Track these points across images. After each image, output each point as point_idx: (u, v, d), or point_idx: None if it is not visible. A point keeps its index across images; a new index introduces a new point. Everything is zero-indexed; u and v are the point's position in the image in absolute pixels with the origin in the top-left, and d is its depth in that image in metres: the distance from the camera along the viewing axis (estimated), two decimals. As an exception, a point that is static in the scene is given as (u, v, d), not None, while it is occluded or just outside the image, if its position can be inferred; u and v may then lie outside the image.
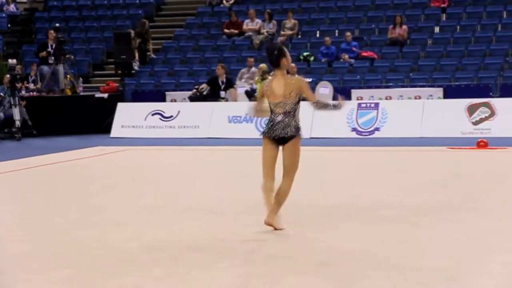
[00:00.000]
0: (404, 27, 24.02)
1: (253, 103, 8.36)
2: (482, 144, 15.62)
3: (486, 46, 23.14)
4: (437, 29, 24.65)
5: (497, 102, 18.88)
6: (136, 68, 24.50)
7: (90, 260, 6.72)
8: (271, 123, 7.71)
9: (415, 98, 20.70)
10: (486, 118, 18.61)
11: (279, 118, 7.67)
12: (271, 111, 7.75)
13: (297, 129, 7.74)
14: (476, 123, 18.66)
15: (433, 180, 11.05)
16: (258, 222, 7.76)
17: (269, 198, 7.71)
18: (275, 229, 7.66)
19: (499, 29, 23.87)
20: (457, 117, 18.85)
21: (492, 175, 11.52)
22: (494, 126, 18.42)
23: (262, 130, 7.86)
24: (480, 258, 6.32)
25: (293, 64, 22.39)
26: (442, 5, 25.23)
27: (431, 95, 20.72)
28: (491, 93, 20.27)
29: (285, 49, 7.94)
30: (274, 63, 7.81)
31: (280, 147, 7.74)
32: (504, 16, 24.37)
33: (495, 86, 20.87)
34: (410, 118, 19.14)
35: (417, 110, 19.32)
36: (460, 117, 18.80)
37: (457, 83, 21.55)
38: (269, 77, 7.77)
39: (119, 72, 23.24)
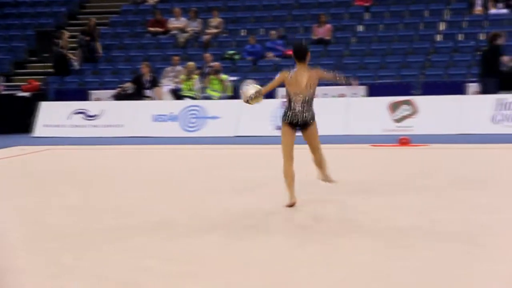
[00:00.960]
0: (328, 25, 24.20)
1: (257, 87, 8.95)
2: (404, 141, 15.83)
3: (408, 44, 23.48)
4: (360, 28, 24.93)
5: (419, 100, 19.18)
6: (77, 66, 24.17)
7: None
8: (293, 111, 8.65)
9: (340, 96, 20.87)
10: (408, 116, 18.90)
11: (299, 106, 8.64)
12: (290, 100, 8.66)
13: (314, 115, 8.85)
14: (398, 120, 18.93)
15: (358, 178, 11.13)
16: (184, 217, 7.70)
17: (292, 183, 8.58)
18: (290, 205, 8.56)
19: (421, 27, 24.23)
20: (379, 115, 19.10)
21: (417, 171, 11.67)
22: (416, 124, 18.72)
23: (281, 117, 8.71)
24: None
25: (217, 63, 22.44)
26: (366, 4, 25.51)
27: (355, 93, 20.92)
28: (413, 91, 20.57)
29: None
30: (301, 57, 8.70)
31: (298, 133, 8.78)
32: (426, 15, 24.76)
33: (417, 84, 21.18)
34: (334, 116, 19.30)
35: (341, 108, 19.52)
36: (383, 115, 19.06)
37: (380, 81, 21.81)
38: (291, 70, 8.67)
39: (52, 70, 22.89)
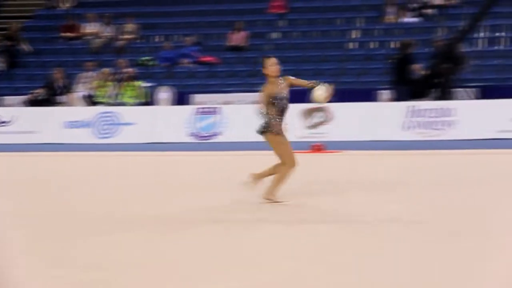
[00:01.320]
0: (243, 32, 24.30)
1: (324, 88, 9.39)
2: (317, 148, 15.97)
3: (322, 52, 23.72)
4: (275, 35, 25.09)
5: (333, 107, 19.37)
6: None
7: None
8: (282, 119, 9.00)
9: (253, 103, 20.93)
10: (321, 123, 19.09)
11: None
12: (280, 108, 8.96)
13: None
14: (311, 127, 19.10)
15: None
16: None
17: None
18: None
19: (334, 35, 24.51)
20: (293, 122, 19.21)
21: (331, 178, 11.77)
22: (330, 130, 18.92)
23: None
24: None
25: (132, 69, 22.28)
26: (281, 11, 25.68)
27: (269, 100, 20.99)
28: (326, 98, 20.75)
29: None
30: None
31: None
32: (339, 23, 25.04)
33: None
34: (249, 123, 19.33)
35: (256, 115, 19.58)
36: (296, 121, 19.18)
37: (294, 88, 21.92)
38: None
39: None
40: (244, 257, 5.98)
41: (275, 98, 8.98)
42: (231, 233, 7.17)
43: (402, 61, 19.95)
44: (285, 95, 9.06)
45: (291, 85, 9.24)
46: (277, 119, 8.95)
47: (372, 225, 7.29)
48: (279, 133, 8.97)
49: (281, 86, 9.10)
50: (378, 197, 9.26)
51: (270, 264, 5.67)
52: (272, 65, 9.12)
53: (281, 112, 8.99)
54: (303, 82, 9.38)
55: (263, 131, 9.03)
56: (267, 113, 8.97)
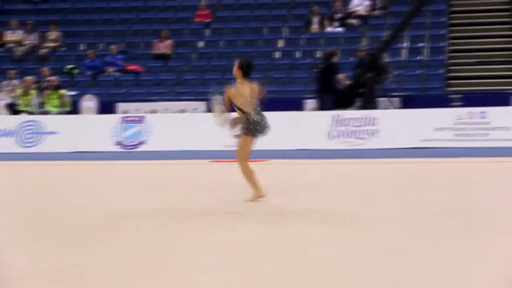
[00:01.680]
0: (169, 41, 24.25)
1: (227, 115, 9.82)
2: (243, 156, 15.98)
3: (248, 61, 23.78)
4: (201, 44, 25.10)
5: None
6: None
7: None
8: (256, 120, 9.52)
9: (180, 111, 20.92)
10: (247, 131, 19.12)
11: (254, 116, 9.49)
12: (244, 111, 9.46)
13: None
14: (238, 136, 19.10)
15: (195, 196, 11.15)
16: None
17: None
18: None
19: (260, 44, 24.65)
20: (219, 131, 19.19)
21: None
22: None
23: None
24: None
25: (55, 77, 22.02)
26: (206, 20, 25.72)
27: (195, 109, 21.02)
28: (252, 107, 20.85)
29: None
30: (250, 74, 9.58)
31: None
32: (265, 32, 25.19)
33: (256, 100, 21.46)
34: (175, 132, 19.34)
35: (182, 124, 19.57)
36: (223, 130, 19.19)
37: (221, 97, 21.97)
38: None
39: None
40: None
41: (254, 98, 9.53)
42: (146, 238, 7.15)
43: (326, 71, 20.16)
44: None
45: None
46: (255, 118, 9.56)
47: (304, 227, 7.34)
48: (254, 135, 9.64)
49: (253, 89, 9.59)
50: (301, 203, 9.32)
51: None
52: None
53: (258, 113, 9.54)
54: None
55: (246, 130, 9.62)
56: (247, 112, 9.51)
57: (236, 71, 9.68)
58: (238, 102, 9.56)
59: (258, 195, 9.58)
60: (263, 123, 9.64)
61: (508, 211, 8.44)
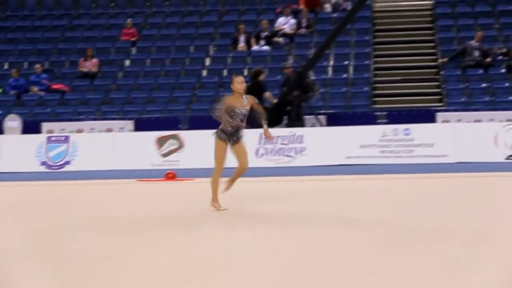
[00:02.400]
0: (95, 60, 24.05)
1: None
2: (170, 175, 15.93)
3: (175, 79, 23.78)
4: (127, 62, 24.97)
5: (185, 135, 19.43)
6: None
7: None
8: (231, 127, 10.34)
9: (107, 131, 20.73)
10: (174, 150, 19.09)
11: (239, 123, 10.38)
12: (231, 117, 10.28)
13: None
14: (165, 155, 19.07)
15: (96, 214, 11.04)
16: None
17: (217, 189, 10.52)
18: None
19: (187, 63, 24.64)
20: (147, 150, 19.16)
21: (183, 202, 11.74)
22: (182, 158, 18.94)
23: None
24: None
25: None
26: (132, 39, 25.61)
27: (122, 128, 20.87)
28: (179, 125, 20.82)
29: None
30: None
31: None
32: (192, 50, 25.19)
33: (184, 118, 21.45)
34: (101, 151, 19.16)
35: (108, 143, 19.39)
36: (150, 149, 19.13)
37: (147, 115, 21.90)
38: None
39: None
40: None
41: (233, 110, 10.23)
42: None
43: (253, 89, 20.14)
44: (243, 112, 10.31)
45: (252, 107, 10.44)
46: (228, 128, 10.27)
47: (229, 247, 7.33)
48: (222, 139, 10.29)
49: (242, 103, 10.31)
50: (226, 223, 9.31)
51: None
52: (238, 83, 10.31)
53: (233, 124, 10.26)
54: (260, 110, 10.67)
55: (215, 133, 10.36)
56: (223, 120, 10.28)
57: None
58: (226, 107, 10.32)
59: (214, 204, 10.50)
60: (231, 133, 10.36)
61: (431, 224, 8.56)
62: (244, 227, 8.98)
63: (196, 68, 24.30)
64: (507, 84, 22.27)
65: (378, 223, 8.86)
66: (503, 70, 22.87)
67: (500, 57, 23.17)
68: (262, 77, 20.41)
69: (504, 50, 23.15)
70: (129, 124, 21.05)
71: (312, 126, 20.41)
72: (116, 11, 27.63)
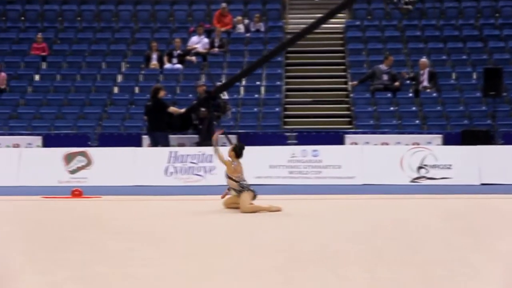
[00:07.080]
0: (3, 74, 23.65)
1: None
2: (76, 193, 15.71)
3: (85, 95, 23.54)
4: (37, 77, 24.63)
5: (94, 151, 19.23)
6: None
7: None
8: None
9: (14, 146, 20.37)
10: (83, 167, 18.89)
11: None
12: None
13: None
14: (73, 172, 18.84)
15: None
16: None
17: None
18: None
19: (99, 79, 24.43)
20: (54, 166, 18.89)
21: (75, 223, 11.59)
22: (91, 175, 18.75)
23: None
24: None
25: None
26: (42, 53, 25.27)
27: (30, 143, 20.54)
28: (89, 142, 20.60)
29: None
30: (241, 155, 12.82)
31: None
32: (103, 66, 25.00)
33: (93, 135, 21.23)
34: (5, 167, 18.81)
35: (15, 159, 19.05)
36: (58, 166, 18.87)
37: (56, 131, 21.61)
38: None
39: None
40: None
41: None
42: None
43: (155, 107, 19.99)
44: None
45: None
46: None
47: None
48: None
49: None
50: (136, 243, 9.24)
51: None
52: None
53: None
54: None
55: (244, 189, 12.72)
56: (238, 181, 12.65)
57: (230, 153, 12.69)
58: (229, 171, 12.63)
59: (272, 209, 12.49)
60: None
61: (325, 247, 8.67)
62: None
63: (107, 84, 24.12)
64: (414, 108, 22.75)
65: (280, 244, 8.91)
66: (410, 94, 23.37)
67: (408, 82, 23.69)
68: (162, 94, 20.16)
69: (412, 75, 23.69)
70: (37, 140, 20.73)
71: (223, 145, 20.42)
72: (27, 25, 27.24)
